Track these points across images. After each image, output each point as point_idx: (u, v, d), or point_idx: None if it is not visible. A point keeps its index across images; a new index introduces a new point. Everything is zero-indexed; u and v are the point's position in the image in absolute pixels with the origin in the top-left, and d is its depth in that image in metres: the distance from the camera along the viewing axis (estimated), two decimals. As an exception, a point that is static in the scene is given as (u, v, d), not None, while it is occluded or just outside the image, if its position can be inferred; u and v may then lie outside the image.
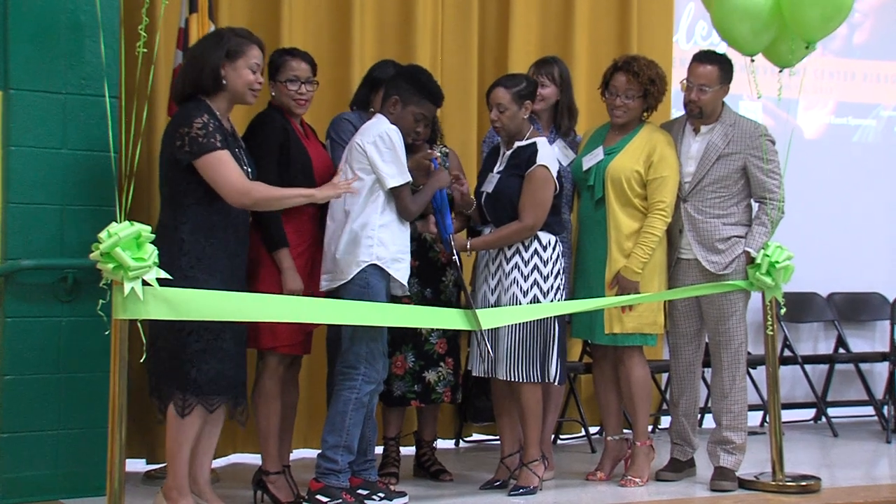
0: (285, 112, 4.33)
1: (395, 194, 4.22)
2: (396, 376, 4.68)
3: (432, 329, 4.73)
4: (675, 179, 4.75)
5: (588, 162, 4.81)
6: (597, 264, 4.75)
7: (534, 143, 4.57)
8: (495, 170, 4.65)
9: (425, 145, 4.71)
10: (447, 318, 4.43)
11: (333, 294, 4.21)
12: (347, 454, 4.17)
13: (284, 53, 4.41)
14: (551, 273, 4.54)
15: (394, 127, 4.25)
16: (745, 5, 4.64)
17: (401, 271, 4.24)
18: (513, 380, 4.50)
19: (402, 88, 4.31)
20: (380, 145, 4.20)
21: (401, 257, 4.25)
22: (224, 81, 3.92)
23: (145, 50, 3.62)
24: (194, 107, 3.89)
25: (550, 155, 4.60)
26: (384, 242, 4.20)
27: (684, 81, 4.80)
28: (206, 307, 3.72)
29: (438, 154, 4.64)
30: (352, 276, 4.15)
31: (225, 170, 3.83)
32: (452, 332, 4.78)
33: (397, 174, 4.20)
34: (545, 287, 4.51)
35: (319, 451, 4.22)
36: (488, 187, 4.62)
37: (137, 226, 3.56)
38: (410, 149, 4.44)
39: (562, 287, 4.59)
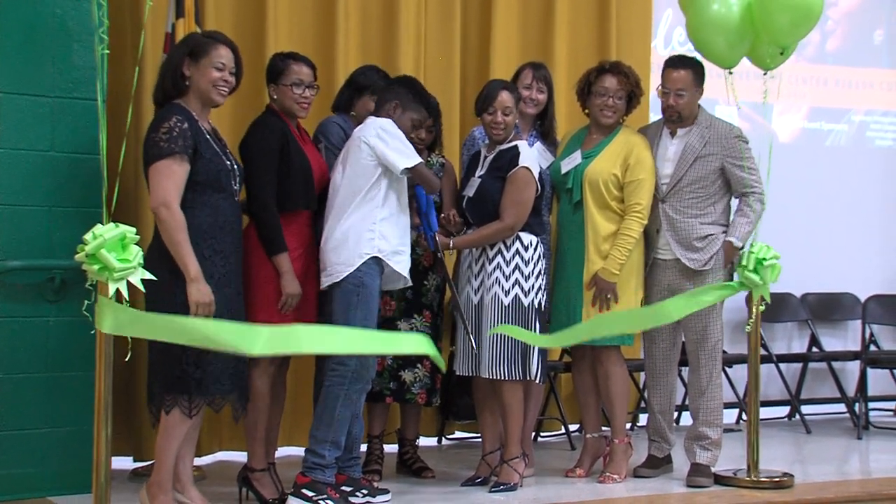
0: (283, 116, 4.30)
1: (414, 174, 4.22)
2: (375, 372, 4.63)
3: (412, 328, 4.71)
4: (652, 182, 4.74)
5: (566, 165, 4.80)
6: (575, 266, 4.73)
7: (515, 146, 4.57)
8: (476, 174, 4.63)
9: (424, 151, 4.72)
10: (410, 343, 4.29)
11: (329, 291, 4.18)
12: (335, 449, 4.14)
13: (287, 57, 4.36)
14: (532, 273, 4.52)
15: (389, 119, 4.25)
16: (718, 19, 4.63)
17: (401, 263, 4.24)
18: (495, 378, 4.49)
19: (401, 94, 4.35)
20: (383, 136, 4.20)
21: (401, 250, 4.25)
22: (187, 82, 3.89)
23: (107, 52, 3.59)
24: (166, 110, 3.86)
25: (532, 157, 4.60)
26: (385, 236, 4.19)
27: (660, 88, 4.80)
28: (160, 330, 3.49)
29: (430, 160, 4.63)
30: (356, 266, 4.12)
31: (164, 178, 3.75)
32: (433, 334, 4.75)
33: (408, 156, 4.20)
34: (526, 286, 4.49)
35: (307, 447, 4.19)
36: (469, 191, 4.61)
37: (122, 227, 3.52)
38: None
39: (542, 287, 4.58)
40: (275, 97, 4.32)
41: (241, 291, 4.01)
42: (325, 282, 4.20)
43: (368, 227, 4.16)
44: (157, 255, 3.74)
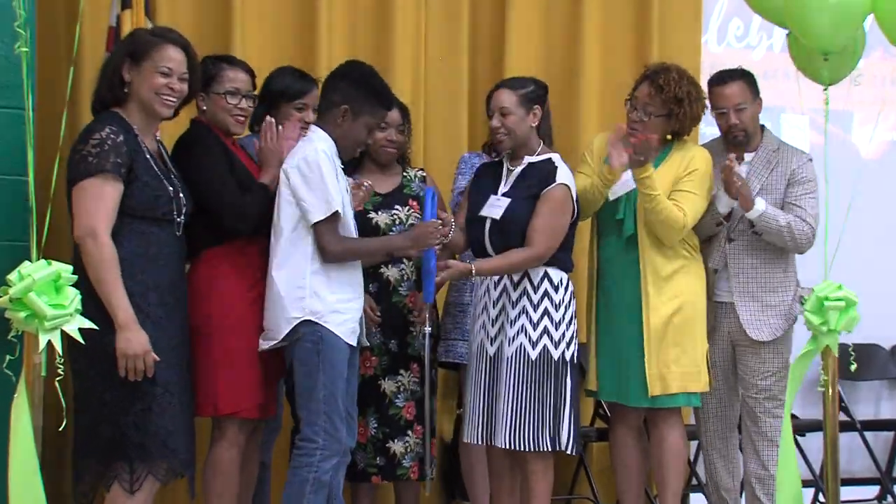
0: (215, 130, 4.27)
1: (315, 230, 4.09)
2: (358, 445, 4.54)
3: (398, 389, 4.67)
4: (704, 201, 4.70)
5: (615, 191, 4.69)
6: (629, 314, 4.67)
7: (549, 159, 4.53)
8: (500, 191, 4.58)
9: (395, 165, 4.78)
10: None
11: (281, 353, 4.12)
12: (308, 546, 4.06)
13: (219, 61, 4.36)
14: (563, 319, 4.47)
15: (324, 152, 4.13)
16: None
17: (344, 325, 4.09)
18: (517, 448, 4.42)
19: (351, 96, 4.22)
20: (304, 170, 4.08)
21: (341, 308, 4.11)
22: (126, 89, 3.89)
23: (25, 49, 3.59)
24: (99, 119, 3.86)
25: (570, 175, 4.54)
26: (318, 292, 4.07)
27: (713, 112, 4.85)
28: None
29: (406, 175, 4.64)
30: (283, 335, 4.05)
31: (92, 200, 3.72)
32: (421, 394, 4.71)
33: (320, 205, 4.06)
34: (556, 336, 4.44)
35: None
36: (493, 212, 4.53)
37: (56, 266, 3.51)
38: (359, 162, 4.61)
39: (574, 336, 4.52)
40: (204, 108, 4.30)
41: (186, 331, 3.99)
42: (262, 345, 4.12)
43: (298, 282, 4.06)
44: (84, 296, 3.67)
